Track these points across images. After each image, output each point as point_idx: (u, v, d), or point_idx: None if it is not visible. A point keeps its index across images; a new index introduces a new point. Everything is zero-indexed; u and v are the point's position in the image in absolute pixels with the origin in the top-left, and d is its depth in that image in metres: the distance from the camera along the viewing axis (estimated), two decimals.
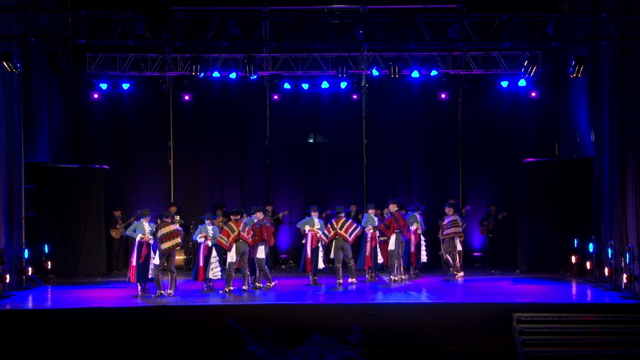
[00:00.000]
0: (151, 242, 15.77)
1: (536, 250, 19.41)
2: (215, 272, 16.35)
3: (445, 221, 18.25)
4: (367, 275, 17.94)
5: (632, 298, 14.88)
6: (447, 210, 18.33)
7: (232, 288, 16.14)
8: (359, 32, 15.80)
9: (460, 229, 18.24)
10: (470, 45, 17.79)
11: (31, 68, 17.93)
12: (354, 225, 17.35)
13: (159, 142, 21.65)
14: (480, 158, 21.59)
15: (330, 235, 17.21)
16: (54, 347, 13.69)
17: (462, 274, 18.21)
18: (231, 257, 16.14)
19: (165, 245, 15.57)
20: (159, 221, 15.92)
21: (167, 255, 15.66)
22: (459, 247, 18.21)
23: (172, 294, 15.73)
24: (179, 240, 15.87)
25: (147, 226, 15.90)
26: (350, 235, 17.23)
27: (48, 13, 15.88)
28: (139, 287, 15.99)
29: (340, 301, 15.22)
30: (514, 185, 21.14)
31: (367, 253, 17.63)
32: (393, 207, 17.73)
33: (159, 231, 15.57)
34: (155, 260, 15.66)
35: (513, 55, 19.54)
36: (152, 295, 15.71)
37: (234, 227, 16.18)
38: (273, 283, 16.89)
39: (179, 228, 16.03)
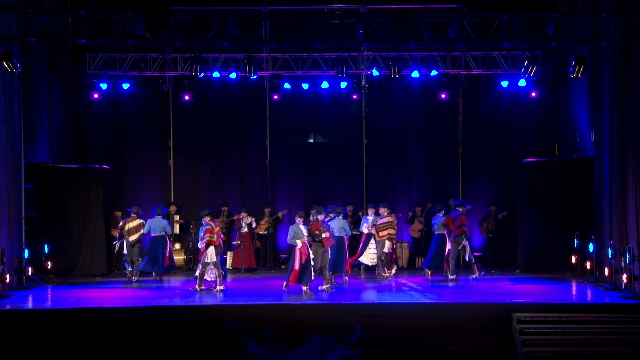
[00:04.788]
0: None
1: (536, 250, 19.38)
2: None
3: (379, 222, 17.93)
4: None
5: (632, 298, 14.89)
6: (381, 210, 18.08)
7: (222, 287, 16.16)
8: (359, 32, 15.80)
9: (394, 231, 18.07)
10: (470, 45, 17.79)
11: (31, 68, 17.92)
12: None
13: (159, 142, 21.65)
14: (481, 158, 21.58)
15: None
16: (54, 347, 13.67)
17: (389, 274, 18.12)
18: (211, 256, 16.13)
19: (132, 238, 17.59)
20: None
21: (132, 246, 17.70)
22: (388, 250, 18.08)
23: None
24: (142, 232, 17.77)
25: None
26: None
27: (48, 13, 15.86)
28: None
29: (340, 301, 15.22)
30: (514, 185, 21.15)
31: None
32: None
33: (126, 225, 17.66)
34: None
35: (513, 55, 19.53)
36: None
37: (214, 226, 16.25)
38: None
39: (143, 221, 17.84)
